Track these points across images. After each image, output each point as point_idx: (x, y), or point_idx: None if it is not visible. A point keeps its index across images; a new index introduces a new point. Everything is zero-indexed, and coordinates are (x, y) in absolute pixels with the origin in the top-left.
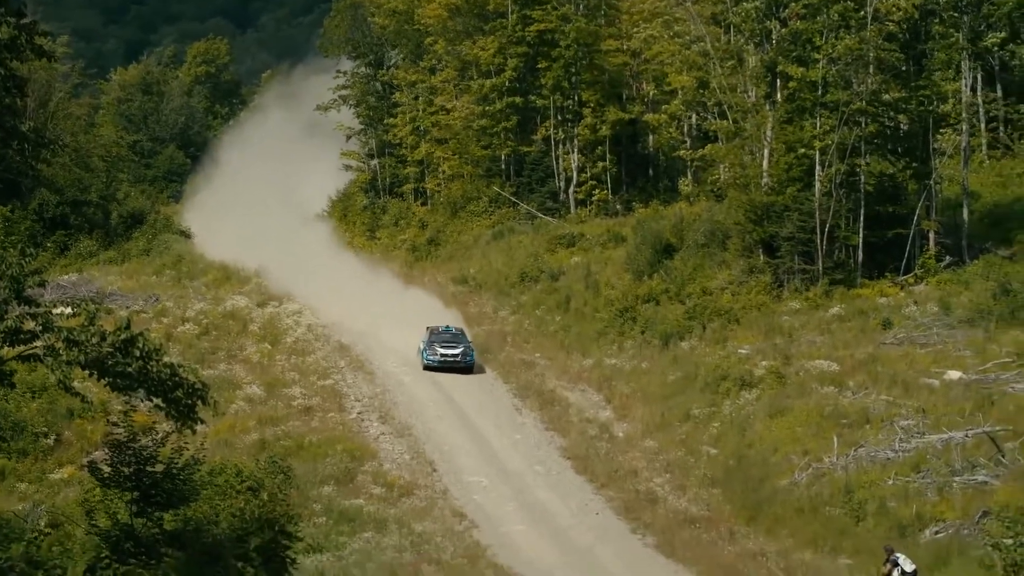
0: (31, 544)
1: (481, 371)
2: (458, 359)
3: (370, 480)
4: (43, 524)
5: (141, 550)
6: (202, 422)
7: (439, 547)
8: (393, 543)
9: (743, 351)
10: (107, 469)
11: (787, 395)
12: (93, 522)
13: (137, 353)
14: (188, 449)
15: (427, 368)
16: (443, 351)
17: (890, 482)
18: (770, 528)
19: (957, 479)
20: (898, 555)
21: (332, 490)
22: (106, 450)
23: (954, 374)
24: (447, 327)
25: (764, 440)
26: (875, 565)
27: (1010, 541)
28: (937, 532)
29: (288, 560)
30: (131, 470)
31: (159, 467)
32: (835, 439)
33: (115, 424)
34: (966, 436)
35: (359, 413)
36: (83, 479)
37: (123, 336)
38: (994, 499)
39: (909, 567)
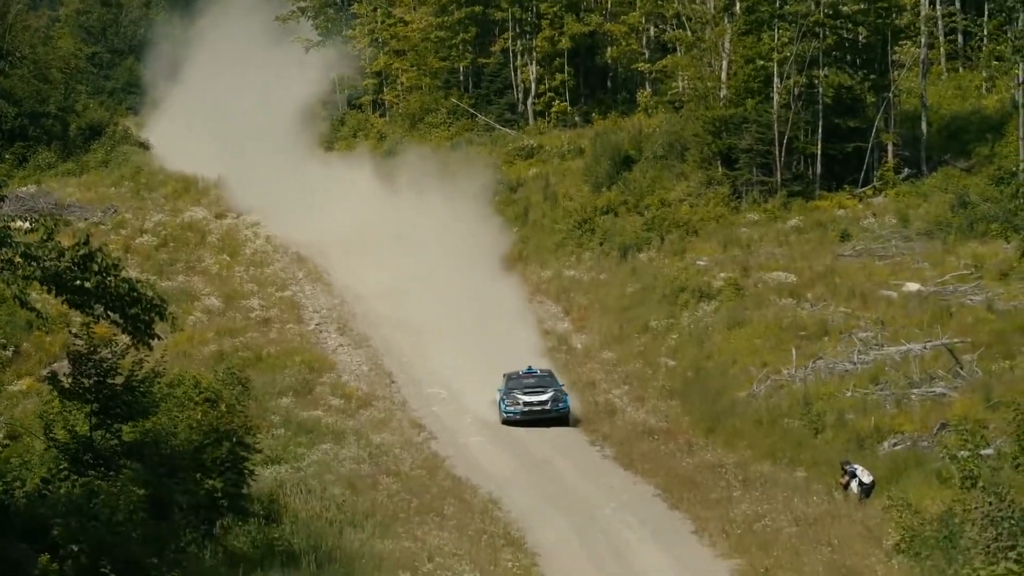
0: None
1: None
2: (547, 407)
3: (328, 391)
4: (1, 436)
5: (99, 462)
6: (159, 338)
7: (397, 458)
8: (351, 454)
9: (701, 263)
10: (67, 381)
11: (745, 307)
12: (52, 434)
13: (95, 268)
14: (148, 362)
15: (508, 423)
16: (527, 399)
17: (848, 394)
18: (728, 440)
19: (915, 391)
20: (856, 466)
21: (290, 401)
22: (66, 362)
23: (912, 286)
24: (529, 368)
25: (722, 352)
26: (833, 477)
27: (967, 453)
28: (895, 444)
29: (246, 471)
30: (91, 382)
31: (119, 379)
32: (793, 351)
33: (76, 336)
34: (924, 348)
35: (317, 324)
36: (42, 391)
37: (81, 252)
38: (952, 411)
39: (867, 478)
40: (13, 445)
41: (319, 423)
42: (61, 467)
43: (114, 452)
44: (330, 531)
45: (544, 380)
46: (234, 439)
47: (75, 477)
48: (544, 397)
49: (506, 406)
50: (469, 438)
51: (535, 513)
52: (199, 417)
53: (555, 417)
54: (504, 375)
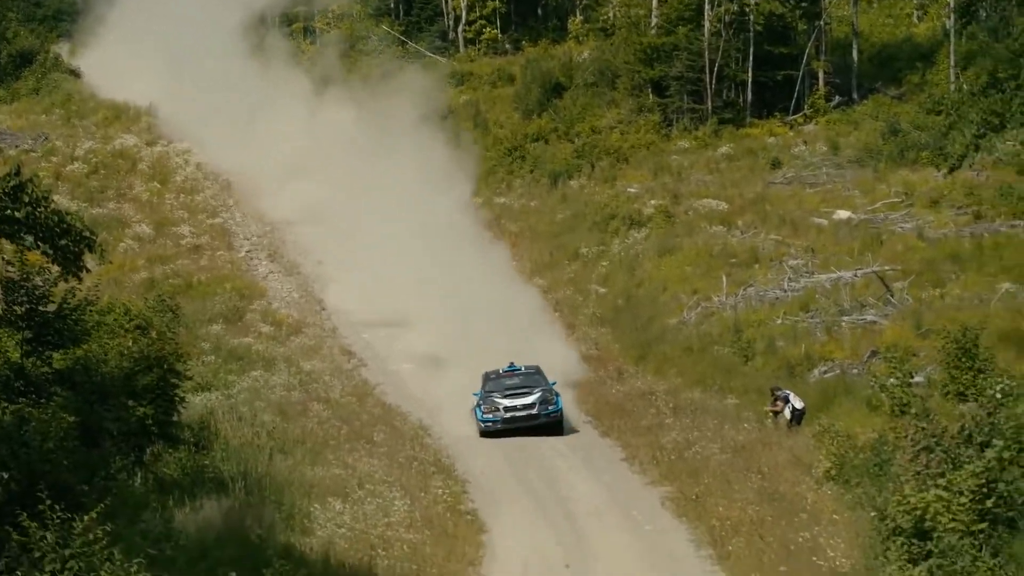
0: None
1: None
2: (533, 411)
3: (259, 318)
4: None
5: (31, 389)
6: (88, 270)
7: (328, 385)
8: (282, 381)
9: (632, 190)
10: None
11: (676, 234)
12: None
13: (26, 199)
14: (80, 290)
15: (486, 434)
16: (508, 402)
17: (779, 321)
18: (658, 367)
19: (845, 319)
20: (788, 392)
21: (221, 328)
22: None
23: (843, 214)
24: (511, 365)
25: (653, 279)
26: (763, 404)
27: (897, 381)
28: (825, 372)
29: (177, 398)
30: (23, 309)
31: (51, 307)
32: (724, 278)
33: (8, 263)
34: (855, 276)
35: (248, 252)
36: None
37: (12, 182)
38: (882, 339)
39: (799, 404)
40: None
41: (249, 350)
42: None
43: (45, 379)
44: (260, 458)
45: (530, 379)
46: (164, 366)
47: (6, 404)
48: (530, 399)
49: (483, 413)
50: (400, 365)
51: (465, 441)
52: (130, 344)
53: (545, 424)
54: (483, 375)
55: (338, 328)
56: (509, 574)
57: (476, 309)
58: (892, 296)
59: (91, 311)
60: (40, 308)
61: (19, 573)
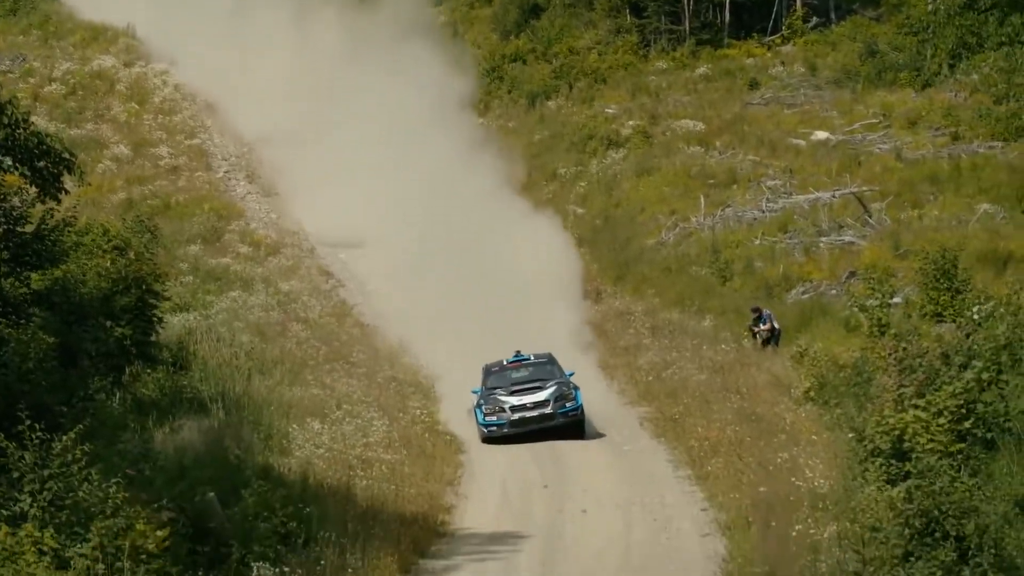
0: None
1: None
2: (547, 411)
3: (237, 239)
4: None
5: (9, 310)
6: (66, 192)
7: (306, 305)
8: (260, 302)
9: (610, 111)
10: None
11: (654, 155)
12: None
13: (5, 121)
14: (58, 210)
15: (490, 440)
16: (515, 400)
17: (757, 242)
18: (637, 287)
19: (824, 239)
20: (769, 311)
21: (199, 249)
22: None
23: (821, 135)
24: (518, 355)
25: (631, 200)
26: (741, 324)
27: (876, 302)
28: (803, 292)
29: (155, 319)
30: (1, 230)
31: (29, 228)
32: (702, 199)
33: None
34: (833, 196)
35: (226, 172)
36: None
37: None
38: (860, 260)
39: (775, 325)
40: None
41: (228, 270)
42: None
43: (23, 300)
44: (239, 378)
45: (541, 370)
46: (143, 287)
47: None
48: (542, 396)
49: (484, 415)
50: (378, 285)
51: (443, 360)
52: (108, 265)
53: (562, 426)
54: (483, 368)
55: (316, 249)
56: (487, 494)
57: (456, 228)
58: (870, 217)
59: (69, 232)
60: (18, 229)
61: None
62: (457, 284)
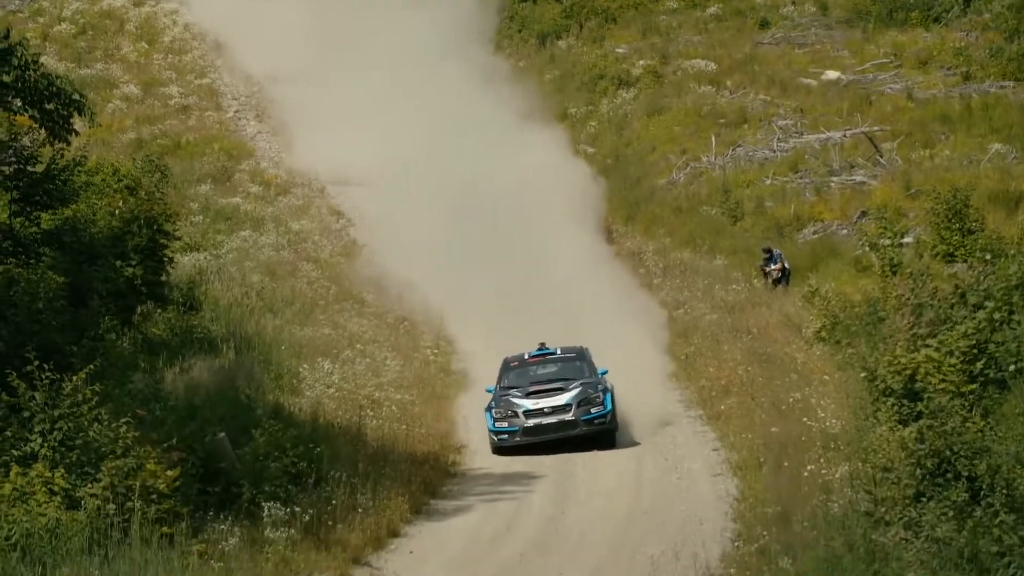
0: None
1: None
2: (567, 418)
3: (247, 179)
4: None
5: (19, 249)
6: (76, 134)
7: (317, 245)
8: (270, 241)
9: (620, 50)
10: None
11: (665, 94)
12: None
13: (14, 63)
14: (68, 150)
15: (501, 451)
16: (531, 404)
17: (767, 182)
18: (647, 227)
19: (835, 179)
20: (780, 251)
21: (209, 189)
22: None
23: (832, 74)
24: (542, 348)
25: (642, 139)
26: (751, 264)
27: (888, 241)
28: (814, 232)
29: (165, 258)
30: (11, 169)
31: (40, 167)
32: (713, 138)
33: None
34: (844, 136)
35: (236, 112)
36: None
37: (1, 45)
38: (871, 199)
39: (786, 265)
40: None
41: (238, 210)
42: None
43: (34, 240)
44: (249, 318)
45: (569, 367)
46: (153, 226)
47: None
48: (562, 399)
49: (494, 421)
50: (389, 223)
51: (455, 299)
52: (118, 204)
53: (587, 436)
54: (503, 362)
55: (326, 188)
56: None
57: (468, 163)
58: (881, 157)
59: (79, 171)
60: (28, 168)
61: (8, 433)
62: (471, 220)
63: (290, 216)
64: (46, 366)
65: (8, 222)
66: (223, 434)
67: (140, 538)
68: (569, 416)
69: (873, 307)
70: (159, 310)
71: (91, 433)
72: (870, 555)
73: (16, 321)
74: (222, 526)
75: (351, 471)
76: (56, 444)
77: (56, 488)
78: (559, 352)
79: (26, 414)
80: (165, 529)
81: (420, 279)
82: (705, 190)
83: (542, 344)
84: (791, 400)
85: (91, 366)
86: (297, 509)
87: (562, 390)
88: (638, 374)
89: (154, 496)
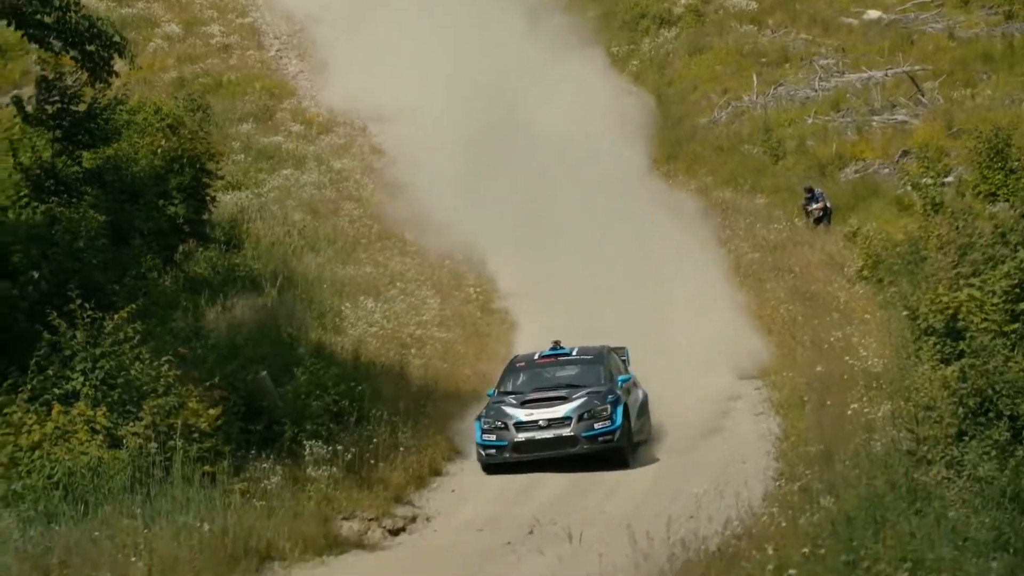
0: None
1: None
2: (565, 433)
3: (289, 117)
4: None
5: (61, 188)
6: (116, 75)
7: (359, 184)
8: (312, 180)
9: None
10: (31, 106)
11: (706, 33)
12: (17, 160)
13: (56, 4)
14: (111, 89)
15: (490, 468)
16: (525, 416)
17: (809, 121)
18: (689, 166)
19: (876, 118)
20: (821, 190)
21: (251, 127)
22: (27, 89)
23: (873, 13)
24: (556, 346)
25: (683, 78)
26: (793, 203)
27: (930, 180)
28: (856, 171)
29: (207, 197)
30: (55, 108)
31: (82, 107)
32: (754, 77)
33: (43, 62)
34: (885, 75)
35: (277, 51)
36: (0, 118)
37: None
38: (913, 138)
39: (828, 204)
40: None
41: (280, 149)
42: (22, 194)
43: (76, 179)
44: (291, 256)
45: (584, 372)
46: (195, 165)
47: (36, 204)
48: (561, 411)
49: (482, 433)
50: (431, 161)
51: (497, 235)
52: (160, 143)
53: (589, 454)
54: (509, 363)
55: (368, 127)
56: None
57: (510, 104)
58: (923, 96)
59: (121, 110)
60: (71, 108)
61: (50, 372)
62: (515, 156)
63: (332, 155)
64: (87, 305)
65: (50, 161)
66: (265, 373)
67: (182, 477)
68: (568, 431)
69: (915, 246)
70: (201, 249)
71: (133, 372)
72: (912, 494)
73: (58, 260)
74: (264, 465)
75: (393, 410)
76: (98, 383)
77: (98, 427)
78: (575, 353)
79: (67, 353)
80: (207, 468)
81: (463, 217)
82: (746, 129)
83: (556, 343)
84: (833, 339)
85: (133, 305)
86: (339, 448)
87: (564, 400)
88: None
89: (196, 435)
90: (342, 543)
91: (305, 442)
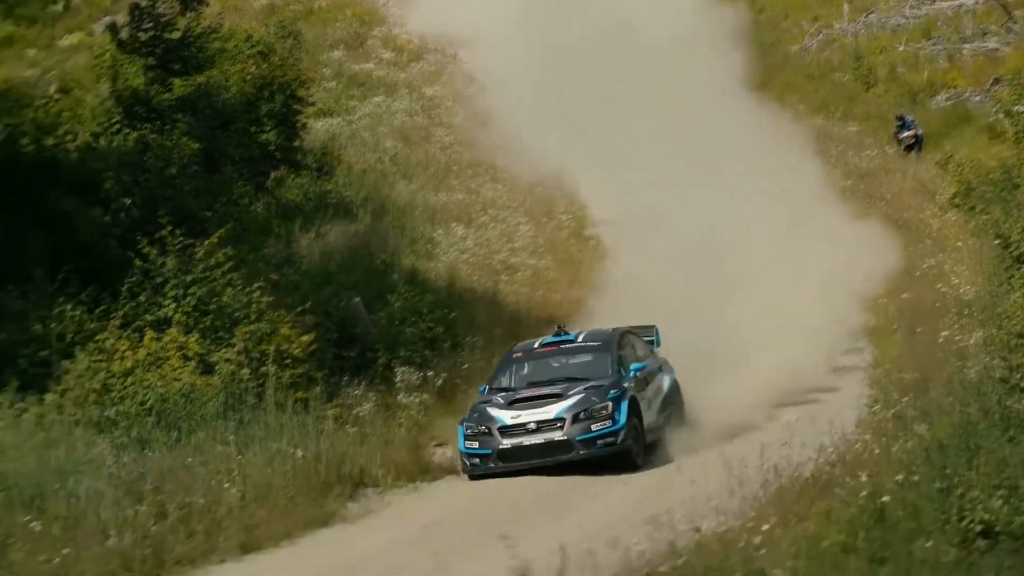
0: (40, 110)
1: None
2: (556, 437)
3: (380, 44)
4: (52, 89)
5: (153, 115)
6: (207, 3)
7: (450, 110)
8: (404, 107)
9: None
10: (124, 34)
11: None
12: (112, 87)
13: None
14: (203, 17)
15: (476, 474)
16: (511, 418)
17: (900, 48)
18: (780, 94)
19: (967, 46)
20: (912, 118)
21: (342, 54)
22: (120, 16)
23: None
24: (560, 332)
25: (774, 6)
26: (885, 131)
27: (1022, 108)
28: (947, 99)
29: (299, 124)
30: (148, 36)
31: (175, 34)
32: (845, 5)
33: None
34: (976, 3)
35: None
36: (93, 45)
37: None
38: (1005, 66)
39: (919, 131)
40: (64, 99)
41: (371, 76)
42: (114, 121)
43: (168, 106)
44: (383, 183)
45: (590, 362)
46: (286, 92)
47: (128, 131)
48: (554, 411)
49: (464, 439)
50: (520, 88)
51: (589, 161)
52: (252, 70)
53: (586, 460)
54: (506, 354)
55: (459, 54)
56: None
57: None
58: (1014, 24)
59: (213, 38)
60: (164, 35)
61: (142, 298)
62: (606, 79)
63: (423, 82)
64: (179, 232)
65: (143, 88)
66: (358, 299)
67: (274, 403)
68: (560, 435)
69: (1007, 174)
70: (293, 175)
71: (224, 298)
72: (1005, 421)
73: (149, 187)
74: (356, 391)
75: (486, 336)
76: (190, 309)
77: (190, 353)
78: (580, 339)
79: (159, 280)
80: (300, 394)
81: (554, 143)
82: (837, 57)
83: (560, 328)
84: (925, 266)
85: (224, 231)
86: (431, 374)
87: (558, 397)
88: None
89: (288, 361)
90: (434, 470)
91: (398, 368)
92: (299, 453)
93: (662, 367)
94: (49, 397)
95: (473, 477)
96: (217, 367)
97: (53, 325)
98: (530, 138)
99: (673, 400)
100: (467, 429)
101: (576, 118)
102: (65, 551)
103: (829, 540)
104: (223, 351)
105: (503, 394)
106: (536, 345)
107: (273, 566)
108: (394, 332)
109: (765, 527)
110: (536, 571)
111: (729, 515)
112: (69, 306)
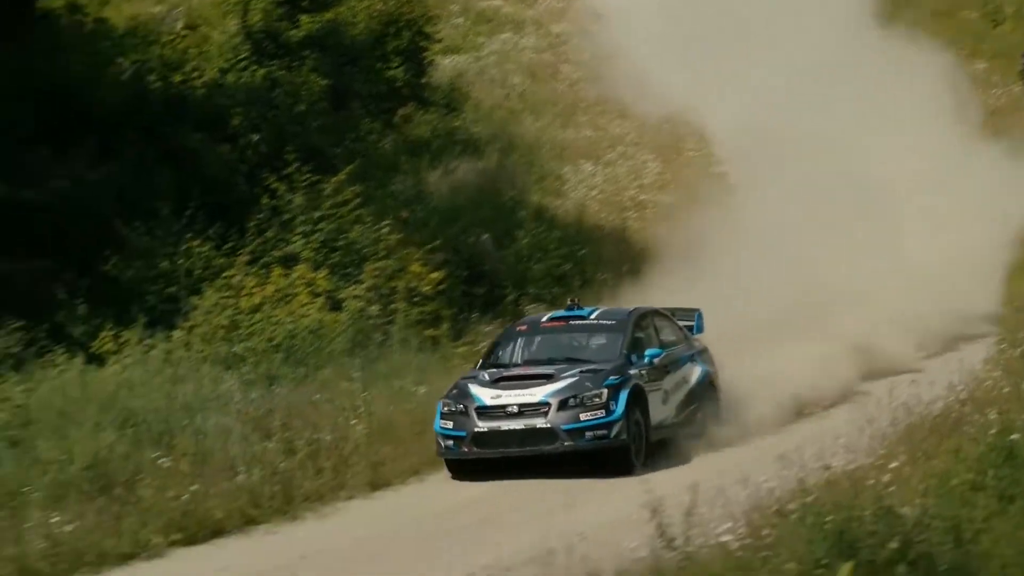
0: (167, 46)
1: None
2: (539, 425)
3: None
4: (179, 26)
5: (281, 51)
6: None
7: (578, 47)
8: (531, 44)
9: None
10: None
11: None
12: (242, 22)
13: None
14: None
15: (449, 459)
16: (492, 400)
17: None
18: (908, 31)
19: None
20: None
21: None
22: None
23: None
24: (572, 306)
25: None
26: (1011, 69)
27: None
28: None
29: (426, 60)
30: None
31: None
32: None
33: None
34: None
35: None
36: None
37: None
38: None
39: None
40: (191, 35)
41: (498, 12)
42: (242, 57)
43: (296, 42)
44: (511, 120)
45: (599, 344)
46: (414, 28)
47: (256, 67)
48: (541, 394)
49: (440, 420)
50: (650, 21)
51: (716, 98)
52: (379, 7)
53: (572, 453)
54: (508, 327)
55: None
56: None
57: None
58: None
59: None
60: None
61: (270, 235)
62: (732, 10)
63: (550, 19)
64: (306, 168)
65: (272, 24)
66: (487, 236)
67: (400, 340)
68: (543, 422)
69: None
70: (420, 112)
71: (353, 235)
72: None
73: (277, 123)
74: (486, 328)
75: (615, 273)
76: (318, 246)
77: (319, 290)
78: (593, 316)
79: (287, 216)
80: (428, 331)
81: (682, 79)
82: None
83: (573, 302)
84: None
85: (352, 167)
86: None
87: (548, 379)
88: None
89: (417, 298)
90: None
91: (526, 306)
92: (422, 390)
93: (695, 356)
94: (177, 334)
95: (447, 462)
96: (345, 304)
97: (181, 261)
98: (658, 74)
99: (701, 395)
100: (444, 407)
101: (705, 53)
102: (193, 487)
103: (958, 478)
104: (351, 288)
105: (492, 370)
106: (542, 320)
107: (402, 503)
108: (522, 269)
109: (894, 464)
110: (667, 507)
111: (859, 452)
112: (196, 242)
